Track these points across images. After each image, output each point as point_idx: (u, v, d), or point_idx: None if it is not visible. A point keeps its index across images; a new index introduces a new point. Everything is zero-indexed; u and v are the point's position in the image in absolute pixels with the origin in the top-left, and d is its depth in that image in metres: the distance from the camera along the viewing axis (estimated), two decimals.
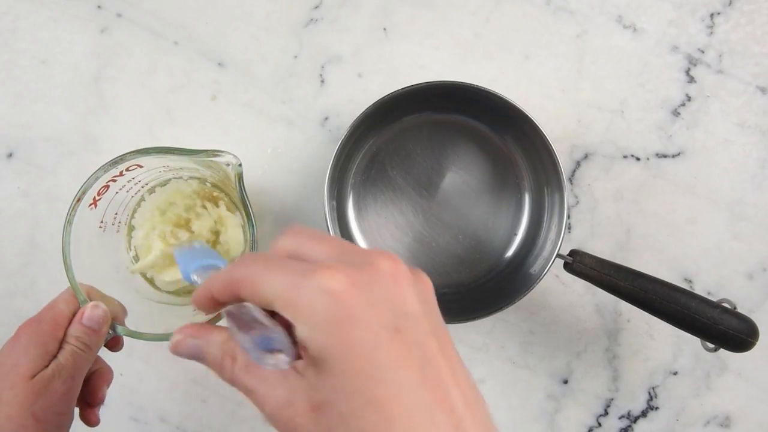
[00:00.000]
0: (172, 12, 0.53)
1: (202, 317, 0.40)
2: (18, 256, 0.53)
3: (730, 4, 0.53)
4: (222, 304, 0.26)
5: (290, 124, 0.53)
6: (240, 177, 0.40)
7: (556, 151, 0.46)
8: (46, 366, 0.36)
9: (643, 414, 0.53)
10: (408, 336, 0.23)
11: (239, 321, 0.24)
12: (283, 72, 0.53)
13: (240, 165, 0.40)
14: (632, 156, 0.53)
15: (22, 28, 0.53)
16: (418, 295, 0.24)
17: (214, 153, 0.39)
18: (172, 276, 0.47)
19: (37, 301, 0.53)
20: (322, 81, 0.53)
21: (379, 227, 0.51)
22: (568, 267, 0.45)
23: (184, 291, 0.48)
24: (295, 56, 0.53)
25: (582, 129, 0.53)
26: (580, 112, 0.53)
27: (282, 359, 0.22)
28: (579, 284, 0.52)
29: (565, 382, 0.53)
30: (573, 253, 0.45)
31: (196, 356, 0.28)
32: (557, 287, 0.52)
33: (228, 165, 0.40)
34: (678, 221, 0.53)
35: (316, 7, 0.53)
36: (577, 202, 0.53)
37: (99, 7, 0.53)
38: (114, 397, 0.53)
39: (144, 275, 0.48)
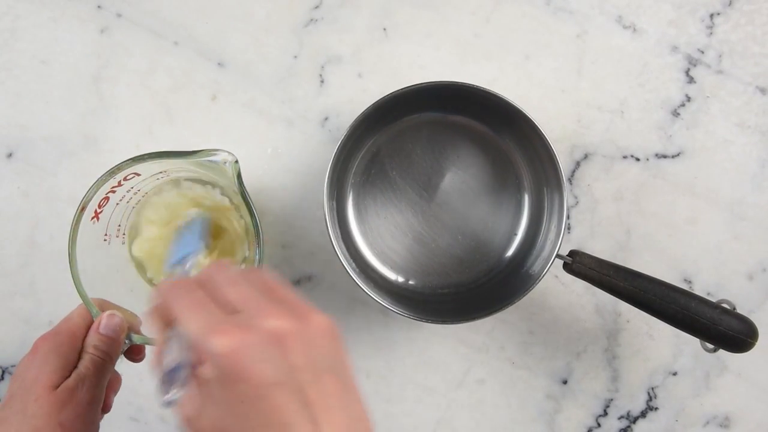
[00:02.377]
0: (172, 12, 0.53)
1: None
2: (18, 256, 0.53)
3: (730, 4, 0.53)
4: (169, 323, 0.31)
5: (290, 124, 0.53)
6: (238, 174, 0.40)
7: (556, 151, 0.46)
8: (68, 376, 0.36)
9: (643, 414, 0.53)
10: (289, 387, 0.27)
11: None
12: (283, 72, 0.53)
13: (236, 162, 0.40)
14: (632, 156, 0.53)
15: (22, 28, 0.53)
16: (305, 347, 0.28)
17: (210, 153, 0.39)
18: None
19: (37, 301, 0.53)
20: (322, 81, 0.53)
21: (379, 227, 0.51)
22: (567, 267, 0.45)
23: None
24: (295, 56, 0.53)
25: (582, 129, 0.53)
26: (580, 112, 0.53)
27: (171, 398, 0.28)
28: (579, 285, 0.52)
29: (565, 382, 0.53)
30: (572, 253, 0.45)
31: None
32: (557, 288, 0.52)
33: (225, 163, 0.40)
34: (678, 221, 0.53)
35: (316, 7, 0.53)
36: (577, 202, 0.53)
37: (99, 7, 0.53)
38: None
39: (150, 282, 0.48)
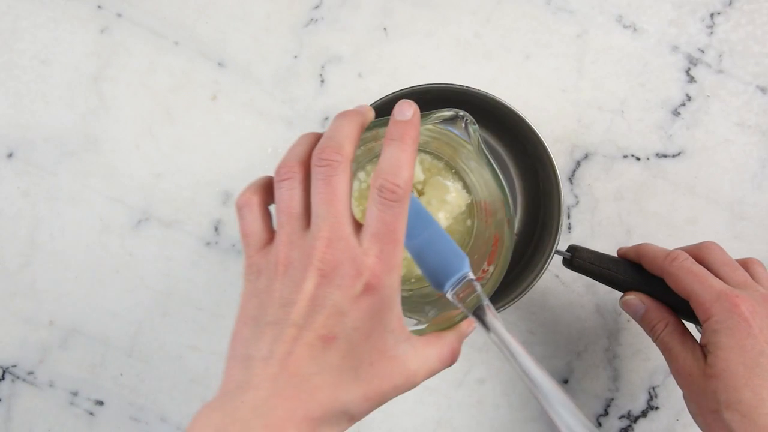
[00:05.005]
0: (172, 12, 0.53)
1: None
2: (18, 256, 0.53)
3: (731, 3, 0.53)
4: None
5: (290, 124, 0.53)
6: (478, 135, 0.35)
7: (555, 150, 0.46)
8: None
9: (644, 414, 0.52)
10: None
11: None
12: (283, 72, 0.53)
13: (467, 120, 0.34)
14: (632, 156, 0.53)
15: (22, 28, 0.53)
16: None
17: (440, 114, 0.34)
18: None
19: (37, 301, 0.53)
20: (322, 81, 0.53)
21: None
22: (566, 263, 0.45)
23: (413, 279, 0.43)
24: (295, 56, 0.53)
25: (582, 129, 0.53)
26: (580, 112, 0.53)
27: None
28: (579, 284, 0.52)
29: (566, 381, 0.53)
30: (571, 248, 0.45)
31: (636, 315, 0.42)
32: (557, 287, 0.52)
33: (464, 120, 0.34)
34: (678, 221, 0.52)
35: (316, 7, 0.53)
36: (577, 202, 0.53)
37: (99, 7, 0.53)
38: (114, 397, 0.53)
39: None
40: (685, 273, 0.39)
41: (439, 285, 0.34)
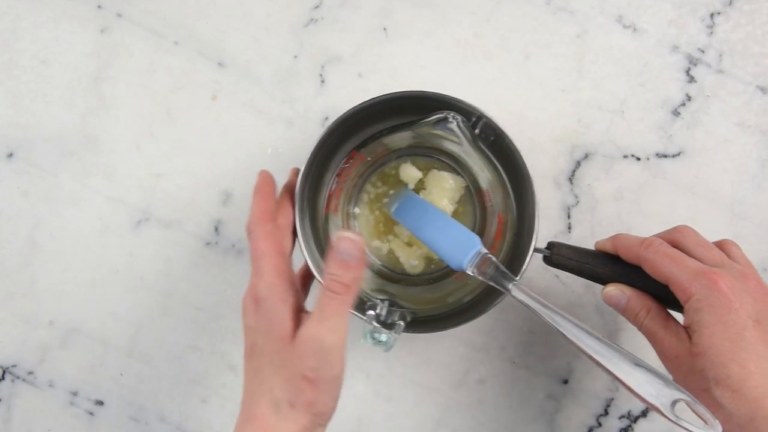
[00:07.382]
0: (172, 12, 0.53)
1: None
2: (18, 256, 0.53)
3: (731, 3, 0.53)
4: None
5: (290, 124, 0.53)
6: (470, 131, 0.40)
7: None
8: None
9: (643, 414, 0.53)
10: (764, 326, 0.36)
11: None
12: (283, 72, 0.53)
13: (457, 119, 0.39)
14: (632, 156, 0.53)
15: (22, 28, 0.53)
16: (755, 300, 0.37)
17: (432, 119, 0.39)
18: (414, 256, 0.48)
19: (37, 301, 0.53)
20: (322, 81, 0.53)
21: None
22: (547, 260, 0.44)
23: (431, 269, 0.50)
24: (295, 56, 0.53)
25: (582, 129, 0.53)
26: (580, 112, 0.53)
27: None
28: (579, 284, 0.52)
29: (565, 382, 0.53)
30: (550, 245, 0.44)
31: (619, 306, 0.41)
32: (557, 287, 0.52)
33: (452, 120, 0.39)
34: (678, 221, 0.52)
35: (316, 7, 0.53)
36: (577, 202, 0.53)
37: (99, 7, 0.53)
38: (114, 397, 0.53)
39: (391, 257, 0.49)
40: (662, 257, 0.39)
41: (458, 264, 0.39)
